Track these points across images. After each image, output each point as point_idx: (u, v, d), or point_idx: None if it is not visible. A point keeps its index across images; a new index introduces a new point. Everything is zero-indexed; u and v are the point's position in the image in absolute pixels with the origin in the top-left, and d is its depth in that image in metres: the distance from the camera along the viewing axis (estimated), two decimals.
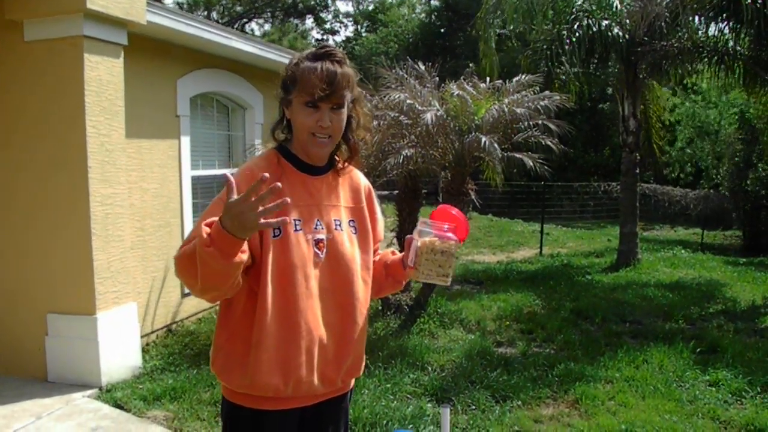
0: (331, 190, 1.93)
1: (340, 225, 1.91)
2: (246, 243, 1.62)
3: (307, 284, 1.81)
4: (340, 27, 39.34)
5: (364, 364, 2.04)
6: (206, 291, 1.68)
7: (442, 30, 28.60)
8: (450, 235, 1.87)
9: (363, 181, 2.05)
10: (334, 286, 1.87)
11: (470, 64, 7.38)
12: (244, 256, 1.62)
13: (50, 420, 4.08)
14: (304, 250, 1.81)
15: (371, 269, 2.00)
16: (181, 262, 1.67)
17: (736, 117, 15.21)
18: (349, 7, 39.44)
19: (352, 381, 2.06)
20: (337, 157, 1.97)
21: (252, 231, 1.57)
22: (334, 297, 1.88)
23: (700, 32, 9.43)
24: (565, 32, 9.44)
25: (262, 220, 1.52)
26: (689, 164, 18.28)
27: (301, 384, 1.82)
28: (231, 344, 1.84)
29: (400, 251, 2.07)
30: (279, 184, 1.53)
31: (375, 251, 2.08)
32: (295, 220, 1.82)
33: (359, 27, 37.10)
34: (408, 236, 1.93)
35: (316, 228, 1.85)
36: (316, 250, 1.84)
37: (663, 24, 8.53)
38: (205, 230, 1.57)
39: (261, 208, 1.51)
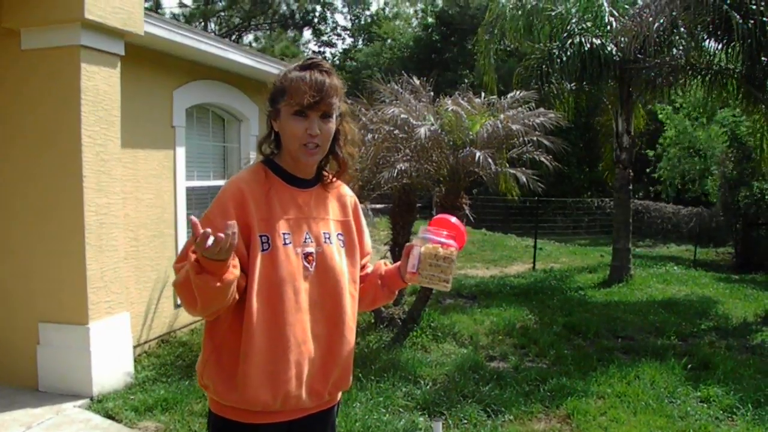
0: (320, 203, 1.95)
1: (329, 238, 1.92)
2: (234, 257, 1.67)
3: (296, 298, 1.81)
4: (338, 40, 39.59)
5: (351, 377, 2.04)
6: (206, 309, 1.72)
7: (438, 44, 28.78)
8: (451, 242, 1.91)
9: (349, 194, 2.06)
10: (323, 299, 1.88)
11: (465, 80, 7.41)
12: (236, 271, 1.67)
13: (40, 430, 4.05)
14: (293, 264, 1.82)
15: (358, 283, 2.01)
16: (180, 289, 1.70)
17: (727, 136, 15.31)
18: (347, 22, 39.62)
19: (339, 394, 2.06)
20: (325, 172, 1.99)
21: (229, 254, 1.60)
22: (323, 310, 1.88)
23: (692, 50, 9.51)
24: (555, 51, 9.51)
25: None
26: (677, 180, 18.36)
27: (289, 398, 1.82)
28: (218, 357, 1.83)
29: (393, 263, 2.08)
30: (231, 222, 1.57)
31: (364, 266, 2.09)
32: (284, 233, 1.82)
33: (355, 40, 37.30)
34: (408, 244, 1.96)
35: (305, 241, 1.86)
36: (306, 264, 1.85)
37: (656, 41, 8.60)
38: (192, 256, 1.62)
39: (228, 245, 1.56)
